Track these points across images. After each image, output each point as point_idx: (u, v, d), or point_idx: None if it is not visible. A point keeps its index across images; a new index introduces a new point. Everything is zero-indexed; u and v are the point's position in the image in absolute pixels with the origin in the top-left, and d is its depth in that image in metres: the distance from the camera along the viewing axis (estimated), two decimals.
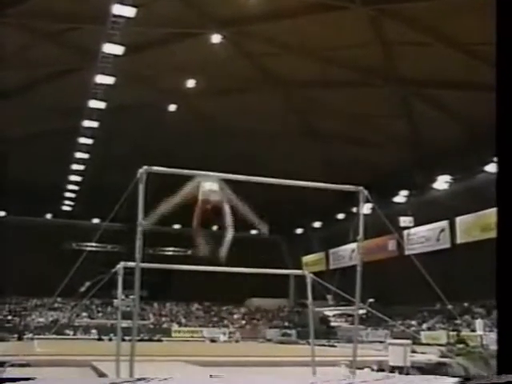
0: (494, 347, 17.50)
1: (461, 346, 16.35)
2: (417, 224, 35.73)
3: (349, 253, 41.55)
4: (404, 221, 34.64)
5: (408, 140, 31.66)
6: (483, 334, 24.59)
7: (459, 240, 33.55)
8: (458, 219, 33.61)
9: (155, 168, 6.58)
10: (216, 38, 24.91)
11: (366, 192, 7.15)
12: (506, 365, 3.20)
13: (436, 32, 23.77)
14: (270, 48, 26.10)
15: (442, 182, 34.05)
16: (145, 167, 6.45)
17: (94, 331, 38.23)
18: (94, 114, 29.09)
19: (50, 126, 30.58)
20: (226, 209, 7.23)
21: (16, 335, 30.95)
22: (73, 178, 38.52)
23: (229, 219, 7.18)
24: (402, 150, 32.76)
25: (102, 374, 11.83)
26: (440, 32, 23.72)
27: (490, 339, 22.97)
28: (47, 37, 24.74)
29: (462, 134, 29.39)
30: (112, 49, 24.05)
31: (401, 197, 36.90)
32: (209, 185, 7.23)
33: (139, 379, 2.74)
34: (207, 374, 13.03)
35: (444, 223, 34.96)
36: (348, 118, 30.81)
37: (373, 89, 27.98)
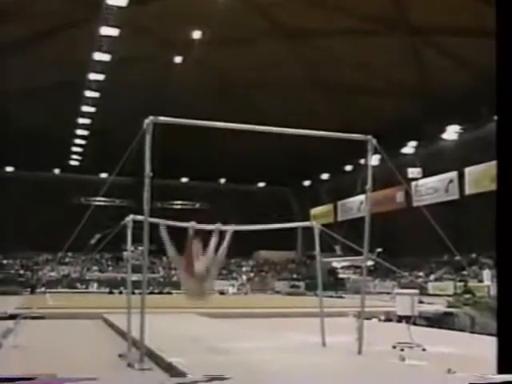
0: None
1: (468, 296, 16.48)
2: (425, 175, 35.56)
3: (357, 204, 41.57)
4: (412, 172, 34.44)
5: (417, 89, 31.25)
6: (490, 284, 24.76)
7: (468, 191, 33.41)
8: (467, 170, 33.40)
9: (162, 118, 6.48)
10: None
11: (374, 141, 7.04)
12: (506, 365, 3.18)
13: None
14: None
15: (451, 132, 33.75)
16: (151, 117, 6.35)
17: (95, 284, 38.75)
18: (99, 66, 28.87)
19: (55, 80, 30.33)
20: (213, 240, 7.55)
21: (29, 289, 31.39)
22: (80, 132, 38.49)
23: (212, 248, 7.48)
24: (411, 99, 32.38)
25: (112, 325, 12.03)
26: None
27: None
28: None
29: (472, 83, 28.90)
30: (116, 0, 23.67)
31: (409, 148, 36.68)
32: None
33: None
34: (217, 325, 13.23)
35: (453, 174, 34.78)
36: (356, 68, 30.37)
37: (381, 38, 27.48)
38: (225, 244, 7.58)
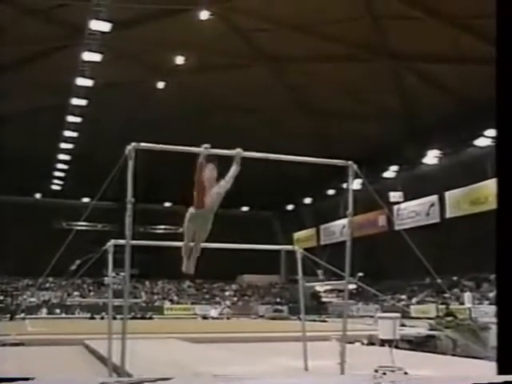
0: (482, 319, 17.75)
1: (449, 318, 16.53)
2: (407, 199, 35.88)
3: (339, 228, 41.70)
4: (394, 196, 34.77)
5: (398, 114, 31.66)
6: (472, 306, 24.91)
7: (449, 214, 33.74)
8: (448, 193, 33.77)
9: (143, 144, 6.52)
10: (204, 15, 24.70)
11: (355, 166, 7.12)
12: (506, 365, 3.21)
13: (425, 6, 23.71)
14: (259, 23, 25.91)
15: (431, 157, 34.14)
16: (133, 144, 6.39)
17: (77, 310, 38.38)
18: (81, 91, 28.87)
19: (38, 104, 30.31)
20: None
21: (8, 315, 30.90)
22: (62, 156, 38.34)
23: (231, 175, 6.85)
24: (392, 124, 32.77)
25: (93, 351, 11.90)
26: (429, 6, 23.66)
27: (479, 312, 23.29)
28: (33, 14, 24.41)
29: (452, 109, 29.40)
30: (99, 25, 23.81)
31: (391, 172, 37.00)
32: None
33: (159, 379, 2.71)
34: (200, 350, 13.15)
35: (434, 198, 35.11)
36: (339, 93, 30.72)
37: (363, 63, 27.91)
38: (232, 172, 6.80)
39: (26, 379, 2.68)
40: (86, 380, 3.83)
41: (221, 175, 6.74)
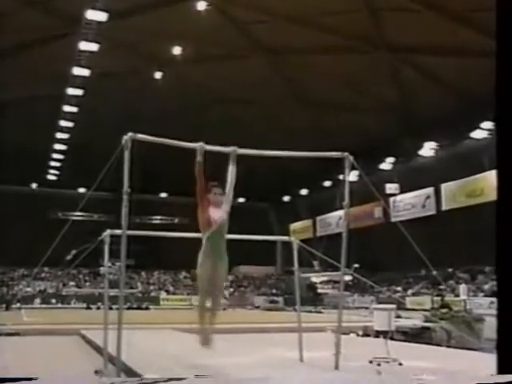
0: (476, 311, 17.85)
1: (444, 310, 16.60)
2: (403, 191, 35.92)
3: (336, 220, 41.77)
4: (390, 188, 34.82)
5: (395, 107, 31.64)
6: (467, 298, 25.02)
7: (444, 207, 33.82)
8: (444, 186, 33.84)
9: (140, 136, 6.49)
10: (201, 5, 24.62)
11: (351, 158, 7.11)
12: (506, 365, 3.22)
13: None
14: (257, 15, 25.82)
15: (428, 149, 34.18)
16: (130, 134, 6.36)
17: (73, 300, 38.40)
18: (78, 81, 28.77)
19: (34, 93, 30.18)
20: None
21: (3, 305, 30.91)
22: (58, 146, 38.23)
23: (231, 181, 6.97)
24: (389, 116, 32.77)
25: (89, 341, 11.91)
26: None
27: (474, 304, 23.41)
28: (30, 3, 24.27)
29: (449, 101, 29.40)
30: (95, 15, 23.72)
31: (387, 164, 37.05)
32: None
33: (170, 379, 2.72)
34: (195, 341, 13.16)
35: (430, 190, 35.19)
36: (336, 85, 30.66)
37: (361, 55, 27.84)
38: (229, 179, 6.84)
39: (29, 379, 2.68)
40: (89, 380, 3.84)
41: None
